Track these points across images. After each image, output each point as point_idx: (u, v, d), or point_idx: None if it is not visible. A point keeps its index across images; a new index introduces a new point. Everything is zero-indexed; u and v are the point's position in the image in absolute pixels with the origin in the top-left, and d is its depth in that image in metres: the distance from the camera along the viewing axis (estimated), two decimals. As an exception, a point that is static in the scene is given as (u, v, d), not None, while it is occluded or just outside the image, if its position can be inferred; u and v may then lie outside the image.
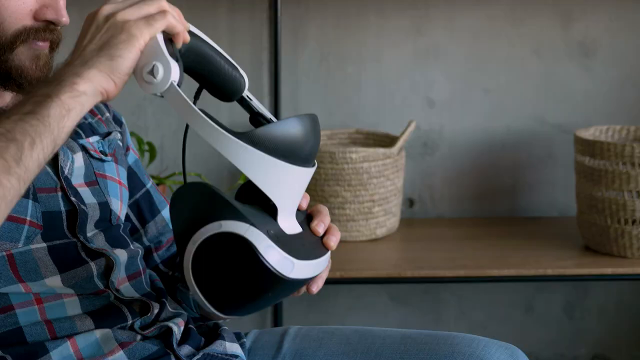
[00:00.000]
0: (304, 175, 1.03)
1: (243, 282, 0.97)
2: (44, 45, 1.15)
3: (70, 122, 0.94)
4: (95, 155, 1.25)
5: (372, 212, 2.16)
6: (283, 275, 0.96)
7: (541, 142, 2.39)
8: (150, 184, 1.39)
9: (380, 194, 2.16)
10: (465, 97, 2.37)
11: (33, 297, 1.12)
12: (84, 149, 1.24)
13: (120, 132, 1.35)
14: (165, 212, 1.38)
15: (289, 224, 1.04)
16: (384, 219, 2.19)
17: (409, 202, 2.41)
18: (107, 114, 1.35)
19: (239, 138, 0.98)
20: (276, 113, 2.10)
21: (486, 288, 2.42)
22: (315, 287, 1.12)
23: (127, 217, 1.35)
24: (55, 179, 1.17)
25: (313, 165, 1.06)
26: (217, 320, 1.29)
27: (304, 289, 1.11)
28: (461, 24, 2.34)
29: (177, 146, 2.33)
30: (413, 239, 2.24)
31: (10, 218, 1.09)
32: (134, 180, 1.36)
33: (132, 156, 1.38)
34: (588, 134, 2.17)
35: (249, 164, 0.98)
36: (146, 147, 2.21)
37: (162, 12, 0.99)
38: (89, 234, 1.18)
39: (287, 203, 1.02)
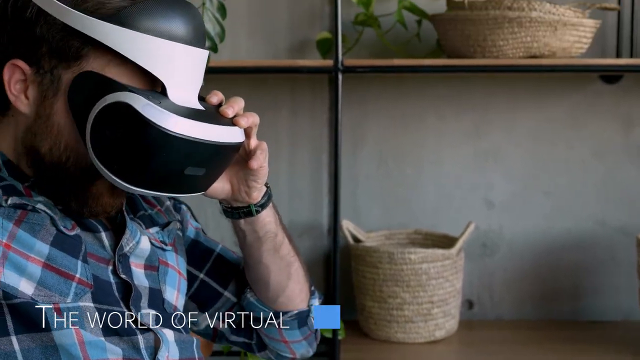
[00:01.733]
0: (187, 53, 1.11)
1: (134, 144, 1.06)
2: None
3: None
4: (156, 244, 1.27)
5: (431, 313, 2.14)
6: (164, 129, 1.04)
7: (603, 245, 2.36)
8: (220, 246, 1.41)
9: (439, 295, 2.14)
10: (524, 198, 2.37)
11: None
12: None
13: (180, 221, 1.37)
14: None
15: (181, 99, 1.10)
16: (443, 320, 2.17)
17: (468, 304, 2.39)
18: (167, 203, 1.38)
19: (111, 22, 1.07)
20: (335, 214, 2.12)
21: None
22: (255, 162, 1.19)
23: (207, 285, 1.37)
24: (110, 252, 1.19)
25: (197, 46, 1.12)
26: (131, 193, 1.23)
27: (233, 158, 1.17)
28: (521, 126, 2.35)
29: (236, 248, 2.34)
30: (472, 342, 2.21)
31: (58, 272, 1.12)
32: (199, 249, 1.39)
33: (192, 230, 1.40)
34: (651, 237, 2.14)
35: (123, 43, 1.07)
36: (206, 245, 2.24)
37: None
38: (142, 311, 1.19)
39: (174, 80, 1.10)
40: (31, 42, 1.10)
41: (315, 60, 2.21)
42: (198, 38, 1.13)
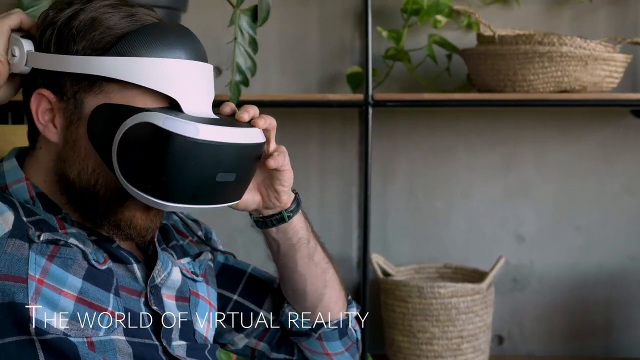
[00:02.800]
0: (192, 68, 1.14)
1: (162, 159, 1.07)
2: None
3: None
4: (187, 275, 1.28)
5: (460, 348, 2.13)
6: (188, 137, 1.07)
7: (634, 280, 2.34)
8: (251, 267, 1.42)
9: (469, 330, 2.13)
10: (555, 233, 2.35)
11: None
12: None
13: (211, 252, 1.38)
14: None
15: (197, 112, 1.13)
16: (473, 356, 2.15)
17: (498, 339, 2.37)
18: (200, 232, 1.39)
19: (112, 55, 1.12)
20: (365, 247, 2.12)
21: None
22: (273, 162, 1.20)
23: (241, 306, 1.37)
24: (142, 284, 1.20)
25: (199, 60, 1.16)
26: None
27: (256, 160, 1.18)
28: (551, 160, 2.35)
29: (269, 264, 2.35)
30: (502, 378, 2.19)
31: (91, 305, 1.13)
32: (230, 271, 1.40)
33: (221, 255, 1.41)
34: (684, 273, 2.12)
35: (129, 71, 1.11)
36: (236, 278, 2.25)
37: (11, 14, 1.16)
38: (173, 343, 1.20)
39: (186, 96, 1.13)
40: (53, 72, 1.14)
41: (345, 94, 2.23)
42: (199, 53, 1.16)
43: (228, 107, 1.21)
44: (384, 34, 2.23)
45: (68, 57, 1.13)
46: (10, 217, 1.11)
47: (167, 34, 1.14)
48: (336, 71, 2.33)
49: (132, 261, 1.20)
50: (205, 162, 1.10)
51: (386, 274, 2.25)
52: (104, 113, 1.12)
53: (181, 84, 1.13)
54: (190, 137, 1.07)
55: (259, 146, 1.18)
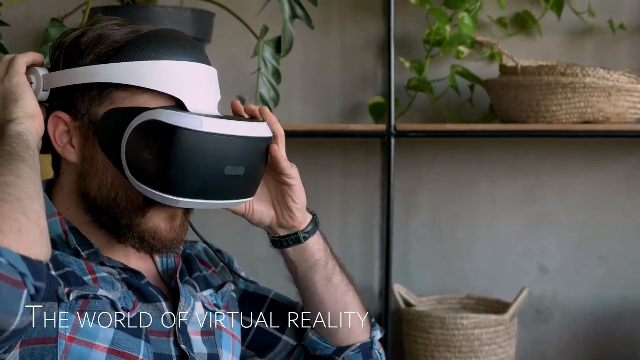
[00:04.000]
0: (196, 70, 1.18)
1: (169, 153, 1.10)
2: (177, 209, 1.20)
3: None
4: (210, 308, 1.28)
5: (483, 380, 2.11)
6: (193, 130, 1.10)
7: (660, 313, 2.32)
8: (273, 292, 1.43)
9: (492, 362, 2.12)
10: (579, 264, 2.34)
11: None
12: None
13: (234, 283, 1.38)
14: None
15: (202, 110, 1.16)
16: (496, 388, 2.13)
17: (522, 372, 2.35)
18: (222, 263, 1.39)
19: (116, 61, 1.16)
20: (387, 277, 2.11)
21: None
22: (274, 150, 1.23)
23: (264, 332, 1.38)
24: (170, 322, 1.21)
25: (203, 63, 1.20)
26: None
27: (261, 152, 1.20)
28: (575, 191, 2.34)
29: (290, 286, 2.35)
30: (526, 411, 2.17)
31: (123, 355, 1.13)
32: (252, 297, 1.40)
33: (242, 282, 1.41)
34: None
35: (134, 75, 1.15)
36: (258, 308, 2.24)
37: (25, 54, 1.21)
38: None
39: (190, 96, 1.16)
40: (66, 92, 1.18)
41: (368, 125, 2.23)
42: (202, 57, 1.20)
43: (236, 106, 1.25)
44: (407, 64, 2.24)
45: (76, 69, 1.17)
46: None
47: (170, 38, 1.18)
48: (359, 101, 2.34)
49: (161, 299, 1.21)
50: (212, 154, 1.13)
51: (408, 304, 2.24)
52: (111, 118, 1.15)
53: (186, 85, 1.16)
54: (195, 130, 1.10)
55: (265, 140, 1.21)
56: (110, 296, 1.15)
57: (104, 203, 1.17)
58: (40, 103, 1.20)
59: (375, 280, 2.35)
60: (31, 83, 1.20)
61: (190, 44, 1.20)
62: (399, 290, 2.22)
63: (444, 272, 2.36)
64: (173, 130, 1.10)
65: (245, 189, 1.21)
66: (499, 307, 2.22)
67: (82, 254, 1.18)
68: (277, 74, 1.87)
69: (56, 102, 1.20)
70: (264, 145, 1.21)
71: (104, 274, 1.18)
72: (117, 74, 1.15)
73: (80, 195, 1.19)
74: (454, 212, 2.36)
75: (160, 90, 1.15)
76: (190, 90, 1.16)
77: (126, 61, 1.15)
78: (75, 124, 1.18)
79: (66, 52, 1.19)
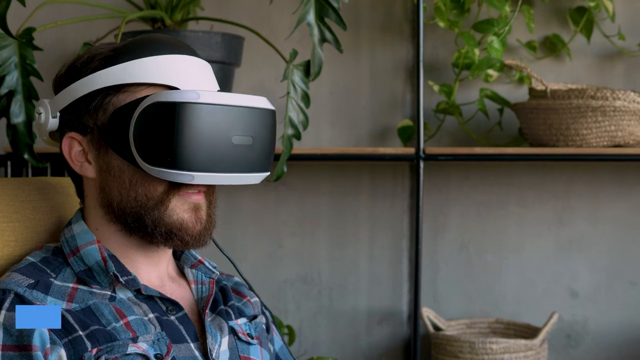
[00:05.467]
0: (190, 61, 1.23)
1: (172, 129, 1.14)
2: (198, 197, 1.22)
3: None
4: (243, 337, 1.29)
5: (512, 405, 2.10)
6: (192, 102, 1.15)
7: (693, 339, 2.29)
8: None
9: (522, 387, 2.10)
10: (610, 289, 2.32)
11: None
12: (232, 331, 1.28)
13: (266, 317, 1.39)
14: None
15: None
16: (526, 413, 2.11)
17: (552, 397, 2.33)
18: (256, 298, 1.40)
19: (112, 65, 1.22)
20: (415, 301, 2.11)
21: None
22: None
23: None
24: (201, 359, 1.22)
25: (194, 56, 1.25)
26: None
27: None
28: (605, 215, 2.32)
29: (316, 330, 2.35)
30: None
31: None
32: None
33: (278, 342, 1.41)
34: None
35: (131, 73, 1.20)
36: (285, 331, 2.25)
37: None
38: None
39: (186, 84, 1.21)
40: (73, 112, 1.23)
41: (396, 148, 2.23)
42: (191, 51, 1.25)
43: None
44: (435, 88, 2.24)
45: (75, 84, 1.22)
46: (63, 354, 1.13)
47: (158, 37, 1.25)
48: (387, 124, 2.34)
49: (190, 340, 1.22)
50: (214, 124, 1.16)
51: (437, 328, 2.23)
52: (116, 118, 1.19)
53: (180, 74, 1.21)
54: (192, 102, 1.15)
55: (267, 112, 1.24)
56: (141, 350, 1.16)
57: (127, 205, 1.20)
58: (52, 133, 1.27)
59: (404, 303, 2.34)
60: (39, 114, 1.26)
61: (178, 41, 1.25)
62: (428, 313, 2.21)
63: (472, 295, 2.35)
64: (172, 107, 1.15)
65: (259, 162, 1.23)
66: (529, 332, 2.20)
67: (120, 279, 1.20)
68: (306, 98, 1.88)
69: (66, 125, 1.24)
70: (268, 118, 1.24)
71: (136, 317, 1.19)
72: (113, 77, 1.20)
73: (104, 206, 1.22)
74: (482, 235, 2.35)
75: (156, 82, 1.20)
76: (185, 78, 1.21)
77: (119, 63, 1.20)
78: (87, 138, 1.22)
79: (65, 75, 1.25)
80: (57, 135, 1.30)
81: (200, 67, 1.25)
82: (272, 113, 1.25)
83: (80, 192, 1.28)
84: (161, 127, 1.15)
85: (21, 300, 1.13)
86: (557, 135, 2.07)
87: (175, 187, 1.20)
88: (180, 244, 1.21)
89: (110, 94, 1.20)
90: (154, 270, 1.27)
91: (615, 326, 2.31)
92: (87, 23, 2.20)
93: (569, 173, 2.33)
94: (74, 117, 1.23)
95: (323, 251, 2.35)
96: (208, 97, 1.16)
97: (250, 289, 1.42)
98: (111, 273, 1.20)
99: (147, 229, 1.20)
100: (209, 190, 1.25)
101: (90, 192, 1.25)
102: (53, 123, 1.25)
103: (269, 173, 1.26)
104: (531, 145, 2.17)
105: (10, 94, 1.76)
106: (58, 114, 1.25)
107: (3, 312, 1.12)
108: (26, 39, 1.77)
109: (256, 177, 1.24)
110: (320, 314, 2.35)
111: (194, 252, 1.34)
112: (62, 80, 1.25)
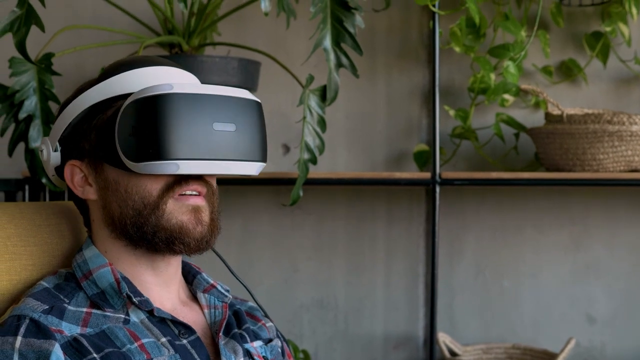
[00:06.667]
0: (171, 71, 1.26)
1: (152, 120, 1.16)
2: (196, 200, 1.23)
3: None
4: None
5: None
6: (165, 91, 1.16)
7: None
8: None
9: (539, 413, 2.08)
10: (628, 314, 2.30)
11: None
12: (248, 353, 1.28)
13: (281, 342, 1.39)
14: None
15: None
16: None
17: None
18: (271, 323, 1.40)
19: (103, 80, 1.26)
20: (431, 326, 2.10)
21: None
22: None
23: None
24: None
25: (179, 69, 1.27)
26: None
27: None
28: (622, 240, 2.31)
29: (332, 355, 2.34)
30: None
31: None
32: None
33: None
34: None
35: (114, 88, 1.23)
36: (301, 355, 2.24)
37: None
38: None
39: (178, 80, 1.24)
40: (70, 139, 1.26)
41: (412, 173, 2.23)
42: (177, 65, 1.27)
43: None
44: (451, 112, 2.24)
45: (67, 109, 1.26)
46: None
47: (143, 56, 1.28)
48: (403, 149, 2.34)
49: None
50: (192, 112, 1.17)
51: (453, 353, 2.22)
52: (104, 131, 1.22)
53: (162, 81, 1.23)
54: (166, 92, 1.16)
55: (250, 102, 1.23)
56: None
57: (127, 216, 1.21)
58: (59, 173, 1.29)
59: (420, 328, 2.33)
60: (41, 151, 1.29)
61: (165, 59, 1.28)
62: (444, 339, 2.20)
63: (489, 320, 2.34)
64: (148, 100, 1.17)
65: (246, 150, 1.23)
66: (546, 358, 2.19)
67: (134, 299, 1.20)
68: (322, 122, 1.88)
69: (66, 156, 1.27)
70: (252, 107, 1.24)
71: (150, 339, 1.19)
72: (97, 94, 1.24)
73: (109, 225, 1.24)
74: (499, 260, 2.34)
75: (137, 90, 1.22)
76: (166, 82, 1.23)
77: (103, 80, 1.24)
78: (85, 162, 1.25)
79: (60, 106, 1.30)
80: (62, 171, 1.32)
81: (185, 76, 1.27)
82: (256, 103, 1.25)
83: (87, 221, 1.30)
84: (140, 123, 1.17)
85: (37, 325, 1.14)
86: (574, 160, 2.07)
87: (169, 189, 1.21)
88: (182, 247, 1.21)
89: (99, 113, 1.23)
90: (166, 293, 1.27)
91: (633, 352, 2.29)
92: (105, 48, 2.21)
93: (585, 198, 2.32)
94: (72, 144, 1.26)
95: (339, 276, 2.35)
96: (182, 88, 1.18)
97: (265, 315, 1.42)
98: (124, 294, 1.20)
99: (148, 235, 1.21)
100: (209, 192, 1.25)
101: (96, 214, 1.27)
102: (55, 157, 1.27)
103: (262, 164, 1.26)
104: (547, 170, 2.17)
105: (29, 119, 1.78)
106: (58, 146, 1.27)
107: (19, 337, 1.12)
108: (45, 65, 1.79)
109: (245, 166, 1.23)
110: (336, 338, 2.35)
111: (205, 276, 1.34)
112: (58, 112, 1.30)
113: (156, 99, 1.16)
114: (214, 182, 1.27)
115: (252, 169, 1.24)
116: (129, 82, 1.23)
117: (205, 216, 1.23)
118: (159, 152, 1.16)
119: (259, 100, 1.26)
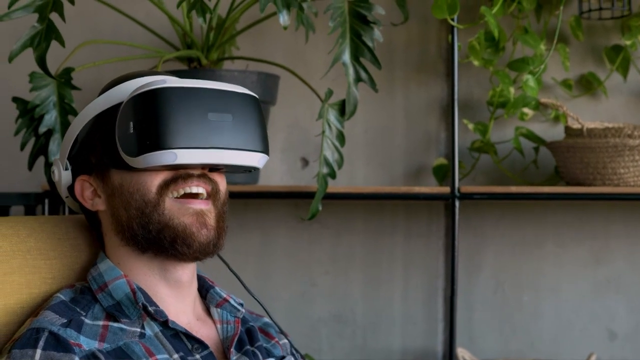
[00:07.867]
0: (165, 78, 1.26)
1: (147, 113, 1.18)
2: (199, 203, 1.23)
3: None
4: None
5: None
6: (163, 86, 1.18)
7: None
8: None
9: None
10: (649, 330, 2.28)
11: None
12: None
13: (295, 358, 1.38)
14: None
15: None
16: None
17: None
18: (285, 340, 1.39)
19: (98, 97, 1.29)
20: (451, 340, 2.09)
21: None
22: None
23: None
24: None
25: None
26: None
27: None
28: (643, 254, 2.29)
29: (350, 369, 2.33)
30: None
31: None
32: None
33: None
34: None
35: (115, 98, 1.25)
36: (320, 370, 2.23)
37: None
38: None
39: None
40: (78, 156, 1.28)
41: (431, 187, 2.23)
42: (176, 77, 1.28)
43: None
44: (470, 126, 2.23)
45: (73, 126, 1.29)
46: None
47: (141, 70, 1.31)
48: (422, 163, 2.34)
49: None
50: (187, 104, 1.19)
51: (473, 369, 2.21)
52: (105, 136, 1.24)
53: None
54: (160, 87, 1.18)
55: (245, 95, 1.24)
56: None
57: (132, 218, 1.22)
58: (72, 193, 1.30)
59: (439, 343, 2.32)
60: (53, 172, 1.31)
61: (166, 72, 1.31)
62: (463, 354, 2.19)
63: (508, 335, 2.32)
64: (142, 96, 1.19)
65: (244, 139, 1.23)
66: (566, 373, 2.17)
67: (149, 308, 1.20)
68: (341, 137, 1.88)
69: (76, 174, 1.29)
70: (248, 100, 1.25)
71: (164, 356, 1.19)
72: (99, 106, 1.26)
73: (118, 232, 1.25)
74: (518, 275, 2.33)
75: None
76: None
77: (104, 94, 1.28)
78: (93, 175, 1.27)
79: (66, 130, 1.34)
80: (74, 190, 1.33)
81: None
82: (252, 97, 1.26)
83: (100, 235, 1.30)
84: (137, 118, 1.19)
85: (56, 338, 1.14)
86: (594, 174, 2.06)
87: (167, 185, 1.22)
88: (186, 249, 1.21)
89: (102, 124, 1.25)
90: (182, 306, 1.27)
91: (654, 368, 2.27)
92: (125, 63, 2.22)
93: (606, 212, 2.30)
94: (80, 159, 1.28)
95: (357, 290, 2.34)
96: (175, 82, 1.20)
97: (280, 331, 1.41)
98: (140, 304, 1.20)
99: (153, 234, 1.21)
100: (214, 192, 1.25)
101: (106, 225, 1.28)
102: (66, 176, 1.29)
103: (263, 155, 1.25)
104: (567, 184, 2.15)
105: (49, 133, 1.79)
106: (68, 164, 1.29)
107: (39, 350, 1.12)
108: (65, 79, 1.80)
109: (245, 156, 1.23)
110: (353, 353, 2.34)
111: (219, 290, 1.33)
112: (65, 131, 1.34)
113: (150, 93, 1.18)
114: (220, 182, 1.27)
115: (253, 159, 1.24)
116: (128, 90, 1.25)
117: (211, 220, 1.23)
118: (156, 142, 1.17)
119: (256, 95, 1.27)
